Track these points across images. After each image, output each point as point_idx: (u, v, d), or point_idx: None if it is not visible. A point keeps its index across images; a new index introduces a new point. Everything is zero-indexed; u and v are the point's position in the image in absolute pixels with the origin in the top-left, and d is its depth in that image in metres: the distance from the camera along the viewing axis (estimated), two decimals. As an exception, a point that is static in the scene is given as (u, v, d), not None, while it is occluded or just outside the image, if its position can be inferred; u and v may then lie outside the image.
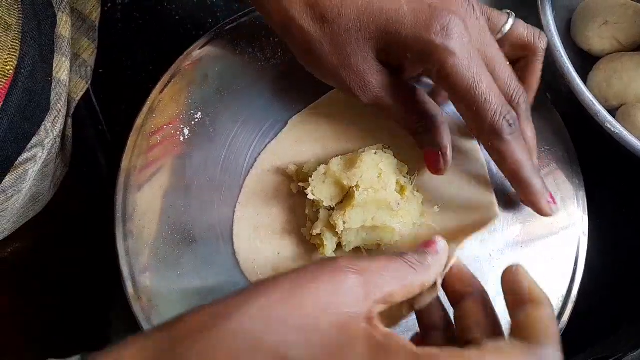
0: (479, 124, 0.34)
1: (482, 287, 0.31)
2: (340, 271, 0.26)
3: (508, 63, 0.36)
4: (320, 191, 0.37)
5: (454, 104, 0.35)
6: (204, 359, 0.23)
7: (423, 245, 0.30)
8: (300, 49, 0.36)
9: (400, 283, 0.27)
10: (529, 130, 0.37)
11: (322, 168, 0.37)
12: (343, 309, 0.25)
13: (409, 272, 0.28)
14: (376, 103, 0.37)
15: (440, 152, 0.37)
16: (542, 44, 0.38)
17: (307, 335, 0.24)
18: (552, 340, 0.26)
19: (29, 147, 0.36)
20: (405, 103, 0.37)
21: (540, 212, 0.37)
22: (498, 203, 0.40)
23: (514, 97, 0.35)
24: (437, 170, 0.38)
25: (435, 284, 0.30)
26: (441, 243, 0.31)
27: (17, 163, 0.35)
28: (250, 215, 0.40)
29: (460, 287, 0.31)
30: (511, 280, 0.30)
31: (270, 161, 0.40)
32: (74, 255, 0.50)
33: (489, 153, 0.36)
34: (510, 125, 0.34)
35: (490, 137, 0.34)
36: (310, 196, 0.36)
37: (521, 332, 0.27)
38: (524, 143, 0.35)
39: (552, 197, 0.37)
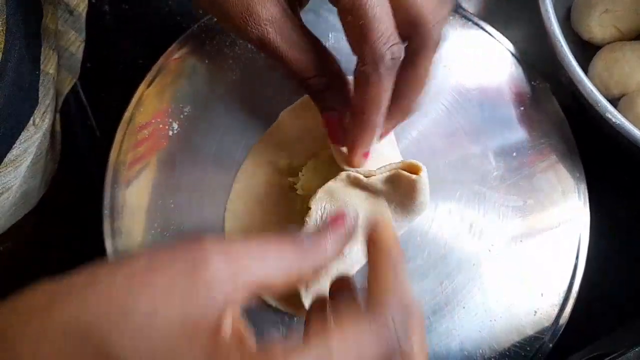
0: (359, 43, 0.29)
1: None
2: (202, 255, 0.22)
3: None
4: (310, 186, 0.35)
5: (340, 16, 0.30)
6: (34, 345, 0.20)
7: (330, 221, 0.26)
8: None
9: (278, 269, 0.23)
10: (419, 71, 0.31)
11: (311, 163, 0.36)
12: (192, 304, 0.21)
13: (294, 257, 0.24)
14: (264, 44, 0.31)
15: (337, 116, 0.32)
16: (435, 31, 0.30)
17: (144, 333, 0.20)
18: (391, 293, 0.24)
19: (17, 143, 0.35)
20: (303, 51, 0.31)
21: (349, 160, 0.33)
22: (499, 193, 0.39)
23: (415, 24, 0.29)
24: (337, 138, 0.33)
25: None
26: (351, 219, 0.26)
27: (5, 159, 0.34)
28: (241, 211, 0.39)
29: None
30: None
31: (261, 155, 0.39)
32: (64, 253, 0.49)
33: (355, 77, 0.31)
34: (392, 58, 0.29)
35: (365, 62, 0.29)
36: (299, 191, 0.35)
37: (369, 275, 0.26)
38: (391, 86, 0.30)
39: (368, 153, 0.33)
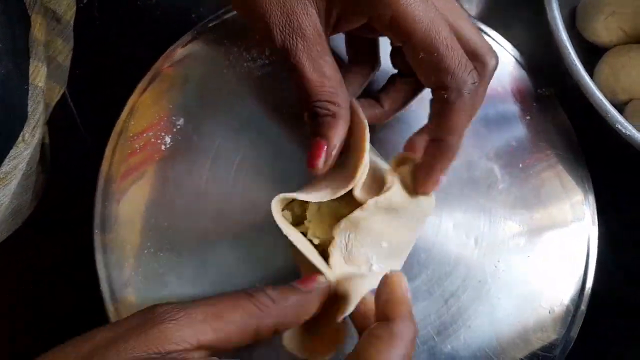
0: (438, 74, 0.30)
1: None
2: (152, 320, 0.25)
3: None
4: (322, 231, 0.33)
5: (408, 55, 0.31)
6: None
7: (301, 280, 0.29)
8: None
9: (236, 326, 0.26)
10: (481, 98, 0.33)
11: (312, 206, 0.34)
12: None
13: (249, 314, 0.27)
14: (288, 55, 0.32)
15: (326, 147, 0.32)
16: (492, 62, 0.33)
17: None
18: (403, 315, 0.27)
19: (7, 160, 0.34)
20: (322, 74, 0.32)
21: (424, 187, 0.33)
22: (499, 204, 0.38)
23: (476, 54, 0.32)
24: (314, 165, 0.33)
25: None
26: (322, 283, 0.29)
27: None
28: (237, 227, 0.37)
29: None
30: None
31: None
32: (55, 268, 0.48)
33: (434, 107, 0.32)
34: (473, 83, 0.30)
35: (450, 89, 0.30)
36: (315, 241, 0.33)
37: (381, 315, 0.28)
38: (475, 109, 0.32)
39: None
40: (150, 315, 0.25)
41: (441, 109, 0.31)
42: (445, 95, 0.31)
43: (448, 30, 0.30)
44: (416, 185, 0.33)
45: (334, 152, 0.32)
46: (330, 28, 0.33)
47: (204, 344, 0.25)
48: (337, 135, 0.32)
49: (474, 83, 0.31)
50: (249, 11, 0.32)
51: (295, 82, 0.32)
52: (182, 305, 0.26)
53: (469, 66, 0.30)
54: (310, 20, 0.31)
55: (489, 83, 0.33)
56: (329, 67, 0.32)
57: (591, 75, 0.48)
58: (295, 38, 0.31)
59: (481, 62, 0.32)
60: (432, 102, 0.32)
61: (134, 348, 0.24)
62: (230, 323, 0.26)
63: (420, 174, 0.33)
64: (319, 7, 0.32)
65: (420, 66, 0.31)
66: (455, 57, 0.30)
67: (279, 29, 0.31)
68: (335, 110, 0.32)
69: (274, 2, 0.31)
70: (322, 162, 0.32)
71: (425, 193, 0.33)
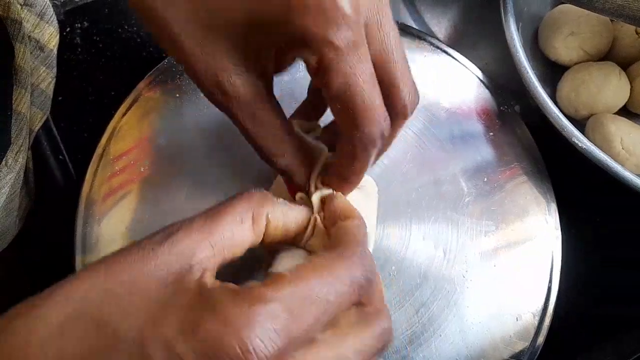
0: (349, 128, 0.28)
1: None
2: (173, 232, 0.24)
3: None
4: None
5: (329, 103, 0.29)
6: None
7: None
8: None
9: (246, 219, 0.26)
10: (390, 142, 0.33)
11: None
12: (172, 269, 0.23)
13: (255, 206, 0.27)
14: (230, 117, 0.30)
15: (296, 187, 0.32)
16: (408, 107, 0.30)
17: (131, 299, 0.22)
18: (357, 243, 0.26)
19: None
20: (269, 131, 0.30)
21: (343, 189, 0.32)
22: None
23: (397, 98, 0.30)
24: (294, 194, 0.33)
25: None
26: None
27: None
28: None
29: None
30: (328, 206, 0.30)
31: None
32: (37, 286, 0.49)
33: (338, 144, 0.30)
34: (381, 137, 0.29)
35: (357, 145, 0.29)
36: None
37: (332, 243, 0.27)
38: (380, 152, 0.31)
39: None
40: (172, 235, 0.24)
41: (345, 154, 0.30)
42: (351, 148, 0.29)
43: (370, 85, 0.27)
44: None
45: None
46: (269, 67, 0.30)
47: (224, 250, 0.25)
48: (300, 179, 0.32)
49: (382, 138, 0.29)
50: (187, 72, 0.29)
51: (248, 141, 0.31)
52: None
53: (382, 122, 0.28)
54: (238, 78, 0.28)
55: (402, 127, 0.32)
56: (274, 121, 0.30)
57: (554, 91, 0.50)
58: (229, 102, 0.29)
59: (399, 105, 0.30)
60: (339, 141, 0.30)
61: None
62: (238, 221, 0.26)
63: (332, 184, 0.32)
64: (248, 56, 0.28)
65: (335, 113, 0.29)
66: (370, 116, 0.28)
67: (214, 95, 0.29)
68: (289, 161, 0.31)
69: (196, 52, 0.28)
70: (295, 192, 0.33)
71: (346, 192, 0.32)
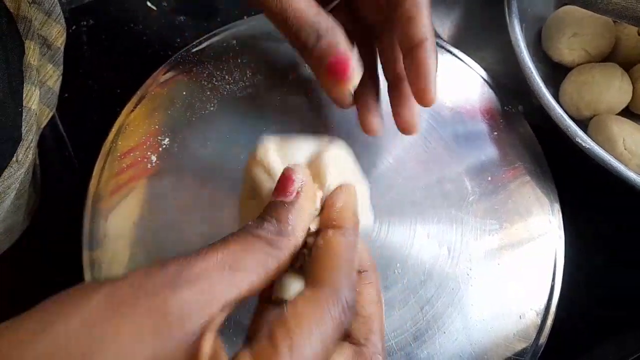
0: None
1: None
2: (167, 289, 0.21)
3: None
4: None
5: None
6: None
7: (278, 191, 0.25)
8: None
9: (260, 271, 0.23)
10: (419, 33, 0.32)
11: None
12: (164, 344, 0.20)
13: (269, 255, 0.23)
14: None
15: (346, 58, 0.31)
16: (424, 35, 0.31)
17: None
18: (338, 268, 0.24)
19: (0, 180, 0.35)
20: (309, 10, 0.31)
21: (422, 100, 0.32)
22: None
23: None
24: (343, 78, 0.31)
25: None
26: (298, 175, 0.25)
27: None
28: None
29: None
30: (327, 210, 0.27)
31: None
32: (45, 287, 0.49)
33: (397, 15, 0.32)
34: None
35: None
36: None
37: (315, 266, 0.25)
38: None
39: None
40: (163, 289, 0.21)
41: (403, 13, 0.31)
42: None
43: None
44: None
45: (354, 60, 0.31)
46: None
47: (227, 305, 0.22)
48: (342, 43, 0.32)
49: None
50: None
51: (284, 26, 0.32)
52: (191, 265, 0.22)
53: None
54: None
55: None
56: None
57: (558, 92, 0.50)
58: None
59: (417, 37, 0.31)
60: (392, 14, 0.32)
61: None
62: (250, 272, 0.23)
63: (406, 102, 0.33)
64: None
65: None
66: None
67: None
68: (322, 33, 0.32)
69: None
70: (349, 71, 0.31)
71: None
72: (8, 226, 0.40)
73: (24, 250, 0.44)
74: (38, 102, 0.38)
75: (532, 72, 0.41)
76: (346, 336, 0.25)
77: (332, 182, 0.28)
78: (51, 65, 0.42)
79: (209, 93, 0.42)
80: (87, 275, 0.38)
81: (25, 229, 0.44)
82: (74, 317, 0.19)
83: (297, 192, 0.25)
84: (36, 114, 0.38)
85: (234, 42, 0.44)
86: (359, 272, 0.27)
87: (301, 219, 0.25)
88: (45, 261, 0.48)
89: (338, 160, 0.30)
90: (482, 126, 0.43)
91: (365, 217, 0.32)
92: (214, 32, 0.43)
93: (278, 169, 0.29)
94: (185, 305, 0.20)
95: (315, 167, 0.29)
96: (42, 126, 0.42)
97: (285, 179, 0.26)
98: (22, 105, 0.36)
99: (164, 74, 0.42)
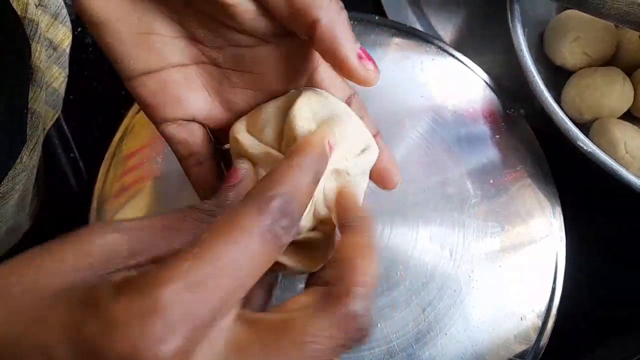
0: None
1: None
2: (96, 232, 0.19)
3: None
4: None
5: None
6: None
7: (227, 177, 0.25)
8: None
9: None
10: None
11: None
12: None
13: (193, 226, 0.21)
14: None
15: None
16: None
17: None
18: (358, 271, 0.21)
19: (5, 181, 0.35)
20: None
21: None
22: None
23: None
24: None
25: None
26: (243, 168, 0.25)
27: None
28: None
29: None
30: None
31: None
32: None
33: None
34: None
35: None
36: None
37: (335, 265, 0.22)
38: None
39: None
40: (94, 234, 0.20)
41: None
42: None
43: None
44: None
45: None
46: None
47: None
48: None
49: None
50: None
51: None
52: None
53: None
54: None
55: None
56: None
57: (559, 95, 0.51)
58: None
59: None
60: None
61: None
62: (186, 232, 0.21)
63: None
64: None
65: None
66: None
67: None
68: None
69: None
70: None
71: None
72: (11, 226, 0.40)
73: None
74: (43, 104, 0.38)
75: (534, 76, 0.41)
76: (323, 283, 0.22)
77: (304, 126, 0.26)
78: (57, 68, 0.43)
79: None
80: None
81: (30, 231, 0.44)
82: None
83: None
84: (41, 115, 0.38)
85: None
86: (344, 224, 0.24)
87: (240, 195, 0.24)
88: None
89: (310, 105, 0.27)
90: (484, 129, 0.43)
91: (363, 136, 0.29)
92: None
93: (251, 147, 0.28)
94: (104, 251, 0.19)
95: (286, 125, 0.27)
96: (47, 128, 0.42)
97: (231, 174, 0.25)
98: (28, 107, 0.36)
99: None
